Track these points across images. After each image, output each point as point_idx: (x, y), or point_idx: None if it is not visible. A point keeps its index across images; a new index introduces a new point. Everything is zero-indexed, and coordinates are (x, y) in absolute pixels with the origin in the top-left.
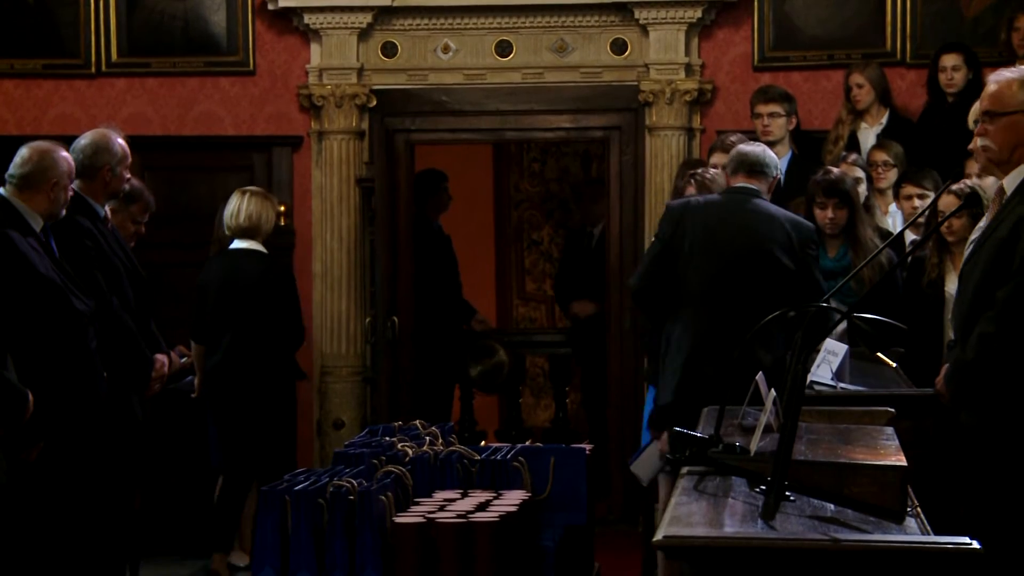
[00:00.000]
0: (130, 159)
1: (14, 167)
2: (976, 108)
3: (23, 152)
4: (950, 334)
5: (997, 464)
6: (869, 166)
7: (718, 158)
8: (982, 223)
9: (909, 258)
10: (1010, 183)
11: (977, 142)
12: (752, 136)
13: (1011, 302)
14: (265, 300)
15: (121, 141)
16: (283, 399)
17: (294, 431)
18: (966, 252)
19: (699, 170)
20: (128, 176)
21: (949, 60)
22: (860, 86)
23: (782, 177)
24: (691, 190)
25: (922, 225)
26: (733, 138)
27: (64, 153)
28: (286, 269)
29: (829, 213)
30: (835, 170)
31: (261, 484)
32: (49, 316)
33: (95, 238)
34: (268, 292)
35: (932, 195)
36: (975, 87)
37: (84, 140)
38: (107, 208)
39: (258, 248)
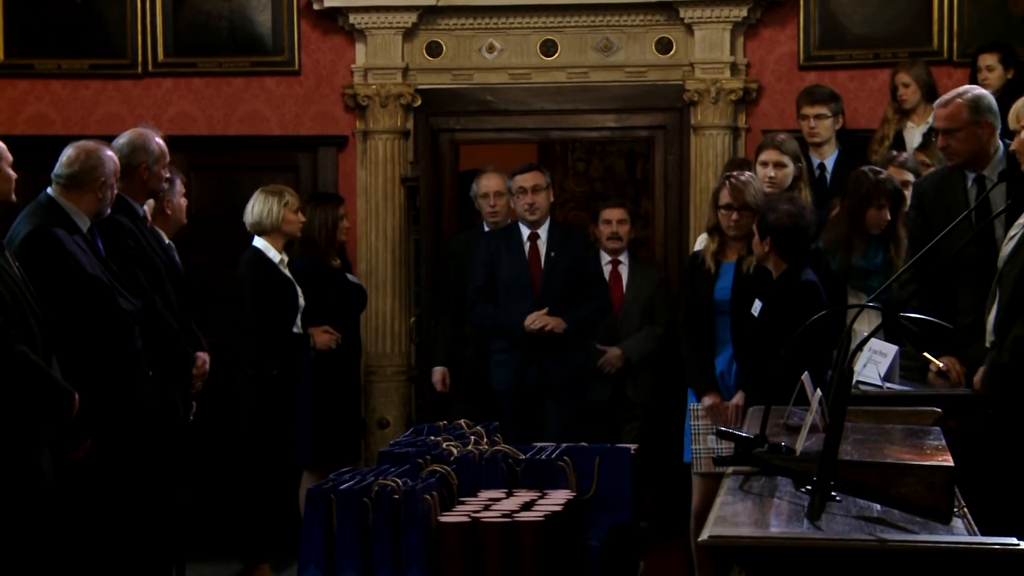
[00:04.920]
0: (168, 158)
1: (61, 167)
2: (1018, 107)
3: (69, 152)
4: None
5: None
6: (918, 166)
7: (769, 155)
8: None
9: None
10: None
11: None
12: (798, 136)
13: None
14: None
15: (159, 140)
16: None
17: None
18: (1006, 249)
19: (734, 173)
20: (167, 175)
21: (985, 60)
22: (907, 85)
23: (828, 176)
24: (724, 192)
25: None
26: (781, 136)
27: (110, 152)
28: (247, 263)
29: (887, 215)
30: (884, 172)
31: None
32: (96, 315)
33: (136, 237)
34: (239, 288)
35: None
36: (1017, 86)
37: (122, 140)
38: (146, 207)
39: (256, 246)
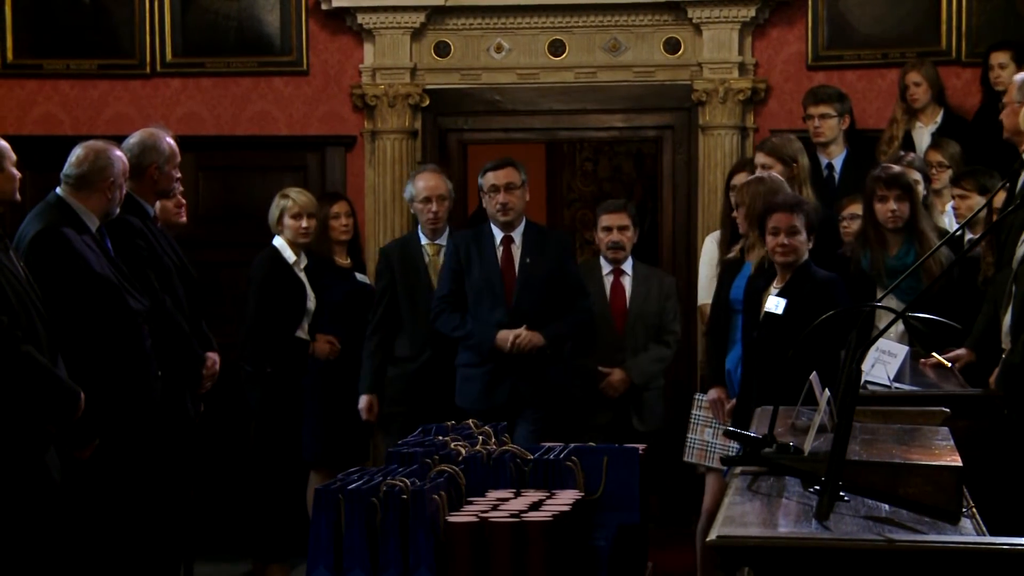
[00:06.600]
0: (179, 158)
1: (69, 167)
2: None
3: (78, 152)
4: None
5: None
6: (926, 166)
7: (758, 158)
8: None
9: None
10: None
11: None
12: (804, 136)
13: None
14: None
15: (169, 140)
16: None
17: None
18: (1019, 252)
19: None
20: (178, 175)
21: (997, 58)
22: (918, 84)
23: (837, 176)
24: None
25: (981, 223)
26: (775, 139)
27: (119, 152)
28: (260, 260)
29: (891, 205)
30: (894, 165)
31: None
32: (104, 315)
33: (146, 237)
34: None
35: (973, 196)
36: None
37: (132, 139)
38: (155, 207)
39: (274, 244)
